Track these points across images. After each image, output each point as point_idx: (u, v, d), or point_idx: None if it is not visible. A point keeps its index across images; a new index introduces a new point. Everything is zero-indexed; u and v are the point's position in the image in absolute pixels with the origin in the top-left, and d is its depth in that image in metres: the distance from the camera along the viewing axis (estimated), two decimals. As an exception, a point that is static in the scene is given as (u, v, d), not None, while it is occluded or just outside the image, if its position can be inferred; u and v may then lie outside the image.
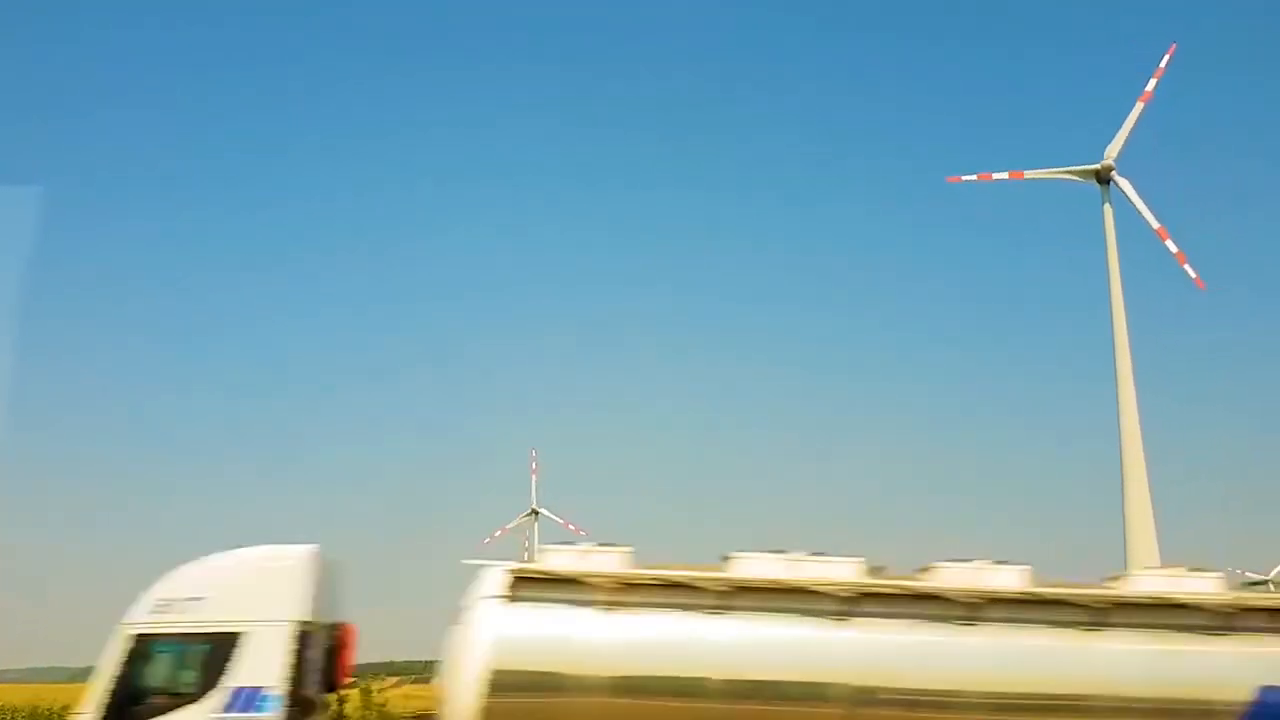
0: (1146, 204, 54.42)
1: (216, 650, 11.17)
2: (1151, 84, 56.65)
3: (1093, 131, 62.40)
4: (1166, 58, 57.46)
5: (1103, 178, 56.24)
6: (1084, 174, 57.11)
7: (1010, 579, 10.63)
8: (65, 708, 31.93)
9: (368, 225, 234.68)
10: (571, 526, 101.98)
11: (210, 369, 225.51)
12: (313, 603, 11.70)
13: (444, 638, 11.01)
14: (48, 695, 35.66)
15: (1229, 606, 10.06)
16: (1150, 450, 51.03)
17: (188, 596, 11.35)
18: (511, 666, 10.53)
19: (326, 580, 12.14)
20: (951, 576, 10.64)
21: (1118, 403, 52.85)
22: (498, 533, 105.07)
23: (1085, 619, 10.36)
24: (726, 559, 11.14)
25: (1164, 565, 11.21)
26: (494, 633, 10.64)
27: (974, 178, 57.90)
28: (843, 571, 10.73)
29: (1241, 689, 9.35)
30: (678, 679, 10.40)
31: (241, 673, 10.96)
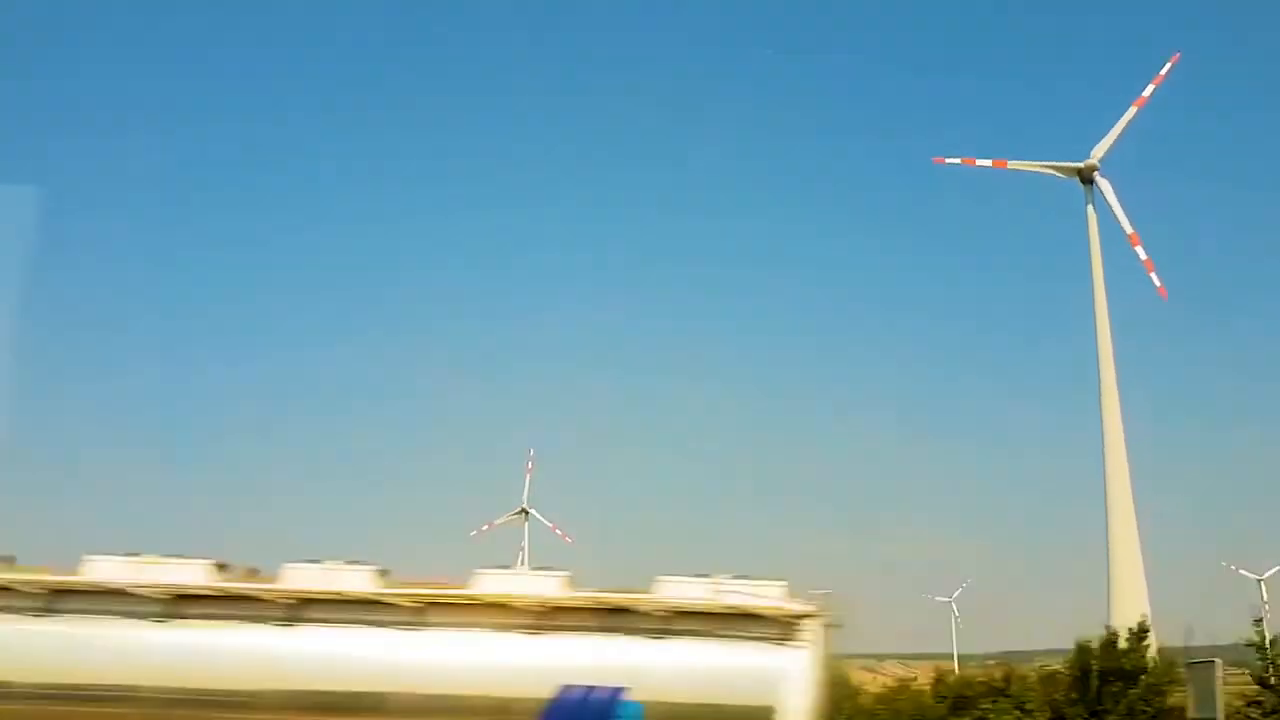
0: (1126, 208, 54.12)
1: None
2: (1149, 89, 55.68)
3: (1093, 128, 61.34)
4: (1168, 65, 56.48)
5: (1085, 177, 55.51)
6: (1067, 171, 56.31)
7: (359, 580, 10.64)
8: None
9: (369, 226, 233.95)
10: (559, 531, 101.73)
11: (208, 369, 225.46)
12: None
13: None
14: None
15: (537, 606, 10.04)
16: (1135, 458, 50.65)
17: None
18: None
19: None
20: (298, 577, 10.71)
21: (1100, 408, 52.06)
22: (485, 527, 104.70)
23: (406, 619, 10.47)
24: (82, 562, 11.13)
25: (509, 567, 11.32)
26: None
27: (958, 161, 57.53)
28: (185, 574, 10.79)
29: (542, 688, 9.14)
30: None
31: None
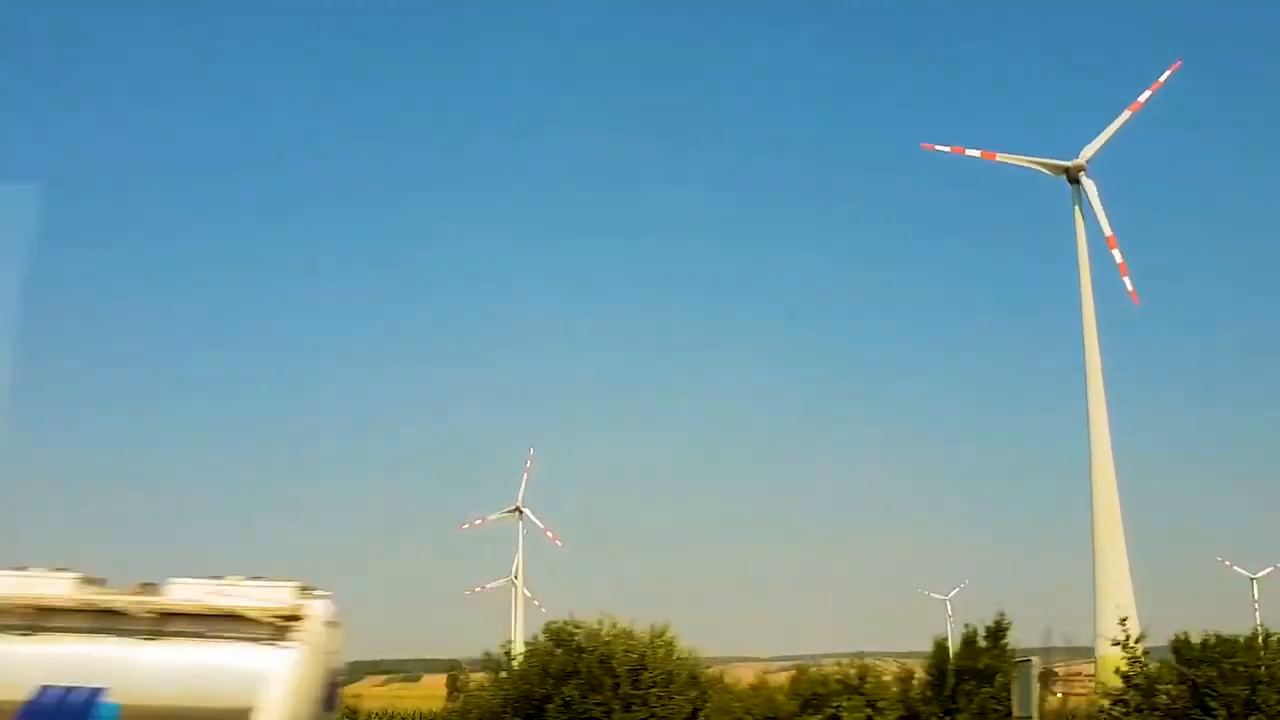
0: (1109, 210, 53.62)
1: None
2: (1145, 95, 55.01)
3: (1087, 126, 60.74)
4: (1168, 73, 55.78)
5: (1072, 176, 55.18)
6: (1054, 169, 55.76)
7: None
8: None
9: (370, 225, 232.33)
10: (550, 534, 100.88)
11: (208, 368, 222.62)
12: None
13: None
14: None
15: (25, 607, 9.61)
16: (1122, 458, 50.43)
17: None
18: None
19: None
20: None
21: (1088, 410, 51.81)
22: (478, 520, 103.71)
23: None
24: None
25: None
26: None
27: (947, 149, 56.93)
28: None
29: (19, 688, 8.96)
30: None
31: None
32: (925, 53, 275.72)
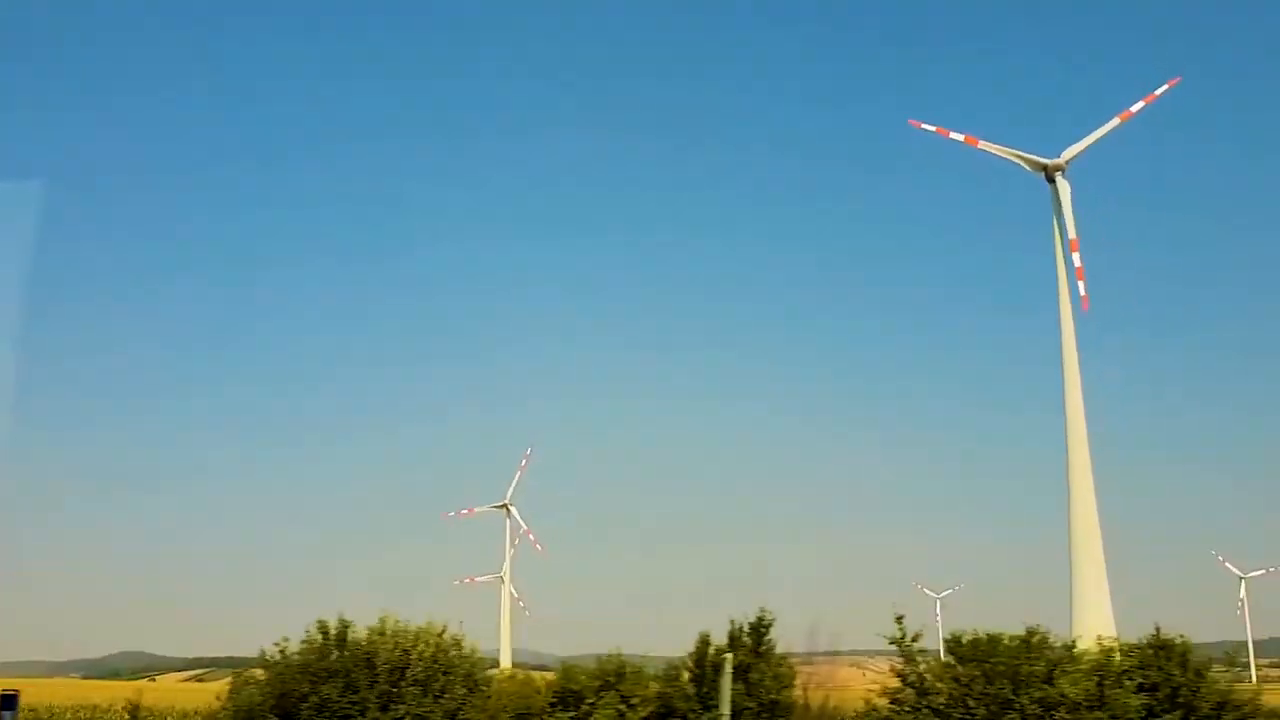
0: (1077, 214, 54.30)
1: None
2: (1138, 106, 56.00)
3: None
4: (1164, 88, 57.10)
5: (1050, 175, 56.04)
6: (1034, 164, 56.36)
7: None
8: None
9: (370, 225, 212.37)
10: (532, 536, 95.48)
11: (205, 367, 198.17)
12: None
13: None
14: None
15: None
16: (1099, 456, 50.97)
17: None
18: None
19: None
20: None
21: (1064, 409, 52.48)
22: (464, 511, 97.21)
23: None
24: None
25: None
26: None
27: (933, 129, 56.62)
28: None
29: None
30: None
31: None
32: (925, 53, 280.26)
